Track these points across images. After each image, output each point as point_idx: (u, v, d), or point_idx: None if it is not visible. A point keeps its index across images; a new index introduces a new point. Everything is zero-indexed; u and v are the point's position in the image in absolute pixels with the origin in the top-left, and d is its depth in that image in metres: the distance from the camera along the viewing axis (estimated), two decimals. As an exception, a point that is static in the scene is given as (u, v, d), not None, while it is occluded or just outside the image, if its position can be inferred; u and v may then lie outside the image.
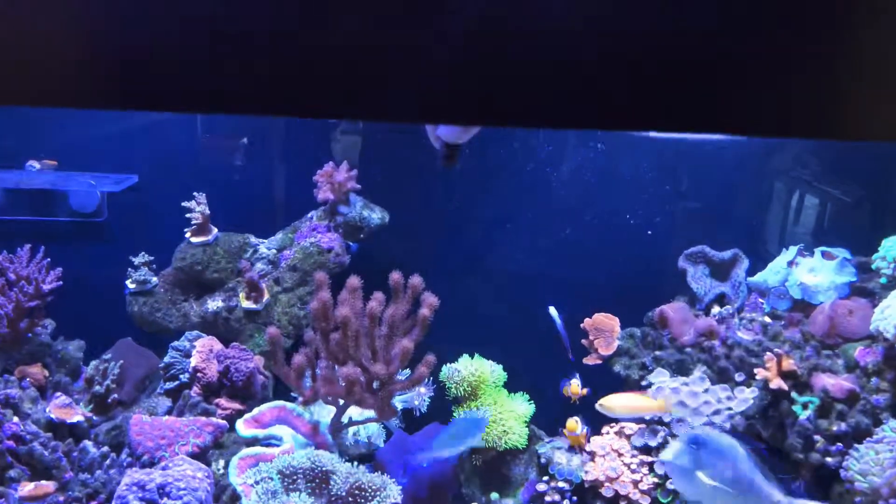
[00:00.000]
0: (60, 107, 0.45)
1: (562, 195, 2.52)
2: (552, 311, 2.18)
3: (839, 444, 1.76)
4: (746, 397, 1.96)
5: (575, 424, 2.07)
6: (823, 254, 2.11)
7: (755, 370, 1.90)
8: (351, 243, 2.42)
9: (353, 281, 1.90)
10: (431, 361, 1.94)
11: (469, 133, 1.07)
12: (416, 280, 1.92)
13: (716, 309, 2.25)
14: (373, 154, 2.47)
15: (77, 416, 1.93)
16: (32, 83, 0.45)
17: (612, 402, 1.96)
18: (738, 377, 2.01)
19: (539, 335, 2.37)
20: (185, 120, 2.48)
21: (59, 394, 1.98)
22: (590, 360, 2.25)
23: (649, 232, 2.48)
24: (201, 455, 1.90)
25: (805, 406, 1.80)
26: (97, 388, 2.05)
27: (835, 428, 1.77)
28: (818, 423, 1.79)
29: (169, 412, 2.08)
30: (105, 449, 1.84)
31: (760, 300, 2.22)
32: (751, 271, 2.31)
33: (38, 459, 1.77)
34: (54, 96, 0.45)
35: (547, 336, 2.38)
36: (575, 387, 2.10)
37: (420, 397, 2.30)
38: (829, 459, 1.76)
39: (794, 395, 1.82)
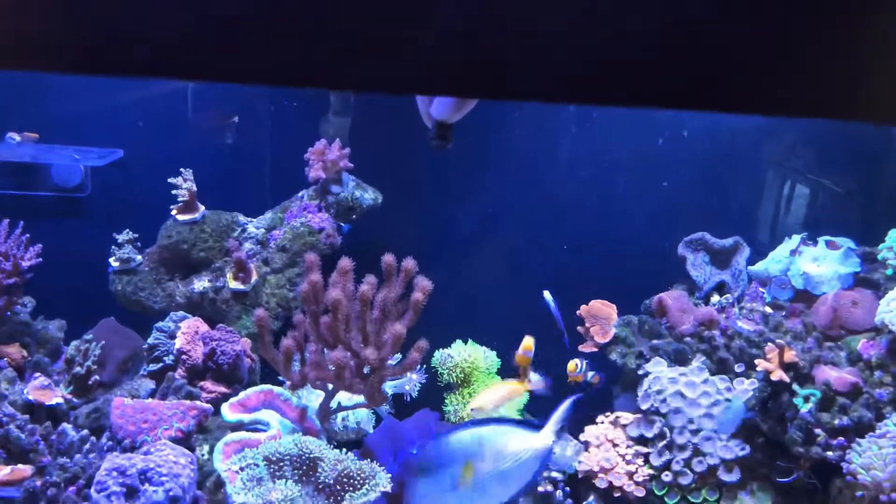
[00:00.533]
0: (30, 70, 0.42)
1: (560, 178, 2.46)
2: (546, 295, 2.13)
3: (841, 438, 1.72)
4: (746, 389, 1.91)
5: (527, 348, 1.97)
6: (827, 243, 2.07)
7: (756, 361, 1.85)
8: (342, 224, 2.36)
9: (345, 263, 1.85)
10: (423, 347, 1.90)
11: (461, 112, 1.01)
12: (409, 263, 1.87)
13: (715, 298, 2.20)
14: (367, 133, 2.40)
15: (56, 397, 1.87)
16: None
17: (481, 401, 1.89)
18: (738, 368, 1.96)
19: (534, 320, 2.31)
20: (174, 95, 2.41)
21: (37, 375, 1.92)
22: (586, 348, 2.20)
23: (668, 188, 2.40)
24: (185, 440, 1.84)
25: (807, 399, 1.75)
26: (77, 369, 1.98)
27: (836, 422, 1.73)
28: (819, 416, 1.75)
29: (152, 395, 2.03)
30: (85, 432, 1.78)
31: (761, 289, 2.17)
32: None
33: (15, 443, 1.71)
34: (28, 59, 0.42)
35: (542, 321, 2.33)
36: (572, 365, 2.03)
37: (411, 382, 2.26)
38: (829, 454, 1.72)
39: (795, 387, 1.78)
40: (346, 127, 2.42)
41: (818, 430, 1.73)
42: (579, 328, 2.24)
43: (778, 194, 2.47)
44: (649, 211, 2.45)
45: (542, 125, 2.49)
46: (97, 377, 2.01)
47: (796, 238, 2.11)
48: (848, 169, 2.38)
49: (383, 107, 2.37)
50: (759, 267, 2.18)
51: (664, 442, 1.95)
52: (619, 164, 2.46)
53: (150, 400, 1.92)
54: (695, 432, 1.92)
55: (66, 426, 1.79)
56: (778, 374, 1.78)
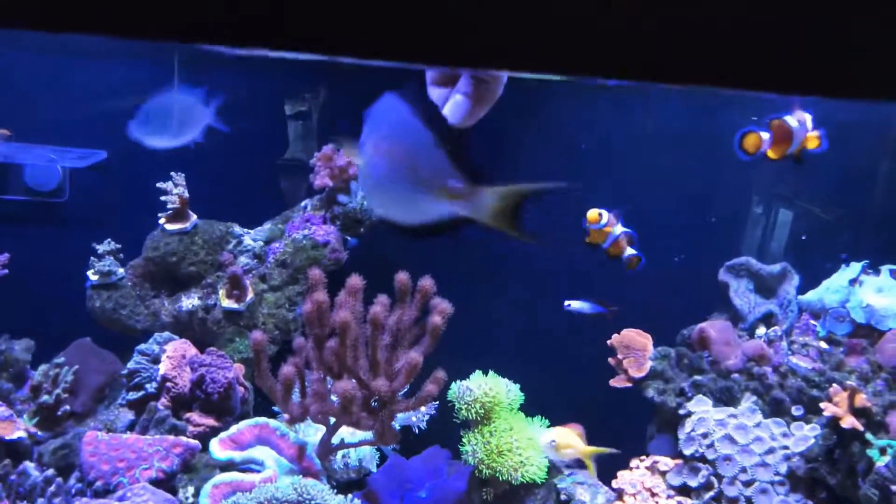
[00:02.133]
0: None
1: (588, 191, 2.27)
2: (573, 304, 1.92)
3: (921, 496, 1.51)
4: (806, 435, 1.70)
5: (597, 215, 1.71)
6: (892, 272, 1.87)
7: (821, 405, 1.64)
8: (349, 238, 2.17)
9: (355, 281, 1.67)
10: (441, 378, 1.72)
11: (475, 117, 0.83)
12: (426, 282, 1.71)
13: (761, 330, 1.99)
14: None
15: (18, 431, 1.66)
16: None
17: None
18: (796, 411, 1.75)
19: (560, 350, 2.12)
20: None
21: (-2, 403, 1.69)
22: (618, 383, 1.98)
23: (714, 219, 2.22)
24: (167, 481, 1.65)
25: (883, 451, 1.54)
26: (45, 397, 1.78)
27: (917, 477, 1.52)
28: (898, 470, 1.53)
29: (130, 428, 1.84)
30: (50, 472, 1.58)
31: (813, 322, 1.96)
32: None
33: (-33, 484, 1.48)
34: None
35: (568, 351, 2.14)
36: (594, 214, 1.73)
37: (419, 414, 2.06)
38: (909, 514, 1.51)
39: (869, 436, 1.56)
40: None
41: (896, 487, 1.52)
42: (611, 360, 2.02)
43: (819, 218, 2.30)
44: (683, 231, 2.26)
45: (569, 133, 2.31)
46: (68, 407, 1.81)
47: (856, 266, 1.91)
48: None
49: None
50: (811, 297, 1.98)
51: (711, 493, 1.73)
52: (649, 180, 2.27)
53: (127, 434, 1.73)
54: (748, 483, 1.70)
55: (29, 465, 1.59)
56: (849, 421, 1.56)
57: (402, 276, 1.68)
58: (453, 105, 0.62)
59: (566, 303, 1.97)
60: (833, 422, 1.61)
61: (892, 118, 2.23)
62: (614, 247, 1.78)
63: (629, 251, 1.80)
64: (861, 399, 1.60)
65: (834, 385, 1.66)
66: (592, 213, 1.74)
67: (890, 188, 2.27)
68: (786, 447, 1.71)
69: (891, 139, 2.28)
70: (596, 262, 2.26)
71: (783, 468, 1.69)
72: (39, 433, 1.72)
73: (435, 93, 0.64)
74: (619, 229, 1.75)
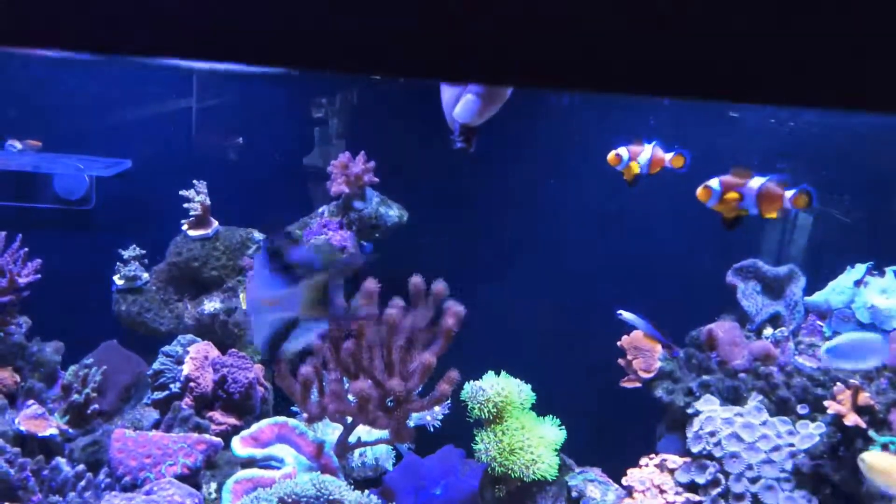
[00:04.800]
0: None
1: (599, 195, 2.30)
2: (626, 315, 1.91)
3: (924, 492, 1.54)
4: (811, 433, 1.73)
5: (613, 157, 1.62)
6: (897, 273, 1.90)
7: (825, 403, 1.68)
8: (365, 243, 2.21)
9: (371, 284, 1.70)
10: (454, 378, 1.75)
11: (485, 115, 0.89)
12: (439, 286, 1.73)
13: (768, 331, 2.03)
14: (392, 146, 2.26)
15: (50, 428, 1.71)
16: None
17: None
18: (802, 409, 1.78)
19: (570, 350, 2.16)
20: (184, 107, 2.28)
21: (31, 402, 1.76)
22: (627, 383, 2.02)
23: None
24: (191, 477, 1.70)
25: (885, 447, 1.57)
26: (75, 396, 1.83)
27: (919, 474, 1.55)
28: (900, 467, 1.56)
29: (156, 426, 1.88)
30: (81, 468, 1.63)
31: (819, 323, 1.99)
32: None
33: (2, 478, 1.55)
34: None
35: (578, 352, 2.18)
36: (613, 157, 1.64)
37: (433, 413, 2.09)
38: (911, 509, 1.54)
39: (872, 434, 1.60)
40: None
41: (899, 483, 1.55)
42: (620, 361, 2.07)
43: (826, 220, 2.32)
44: (693, 233, 2.29)
45: (580, 137, 2.35)
46: (96, 406, 1.86)
47: (861, 267, 1.94)
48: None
49: (408, 119, 2.24)
50: (817, 298, 2.01)
51: (718, 489, 1.77)
52: (660, 181, 2.30)
53: (153, 432, 1.78)
54: (754, 480, 1.74)
55: (61, 460, 1.65)
56: (853, 419, 1.60)
57: (416, 280, 1.70)
58: (465, 104, 0.64)
59: (618, 311, 1.93)
60: (837, 420, 1.64)
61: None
62: (654, 166, 1.67)
63: (668, 157, 1.67)
64: (864, 397, 1.63)
65: (838, 384, 1.69)
66: (610, 158, 1.66)
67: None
68: (791, 445, 1.74)
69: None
70: (603, 265, 2.31)
71: (788, 465, 1.72)
72: (70, 430, 1.78)
73: (447, 92, 0.66)
74: (647, 151, 1.65)
